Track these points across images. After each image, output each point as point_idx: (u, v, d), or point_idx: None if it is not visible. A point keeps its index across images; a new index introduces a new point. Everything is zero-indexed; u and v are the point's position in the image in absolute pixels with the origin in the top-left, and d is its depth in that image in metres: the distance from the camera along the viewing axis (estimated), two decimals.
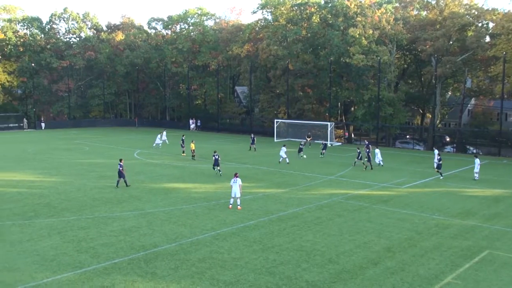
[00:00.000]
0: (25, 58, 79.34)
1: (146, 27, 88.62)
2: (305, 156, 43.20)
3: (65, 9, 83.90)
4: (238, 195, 24.07)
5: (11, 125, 73.32)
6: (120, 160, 30.28)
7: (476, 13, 54.89)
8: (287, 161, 39.84)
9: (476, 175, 33.34)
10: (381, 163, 39.10)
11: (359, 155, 38.89)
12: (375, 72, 57.12)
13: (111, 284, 14.81)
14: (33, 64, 78.47)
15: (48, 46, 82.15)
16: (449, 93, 71.62)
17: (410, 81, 72.12)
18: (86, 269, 16.02)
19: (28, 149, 48.85)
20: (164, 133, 54.27)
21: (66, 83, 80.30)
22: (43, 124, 76.14)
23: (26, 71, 78.93)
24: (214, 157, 34.39)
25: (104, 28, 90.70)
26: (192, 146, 42.16)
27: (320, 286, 14.77)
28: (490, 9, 54.77)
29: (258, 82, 72.00)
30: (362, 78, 59.03)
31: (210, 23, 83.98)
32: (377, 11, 57.75)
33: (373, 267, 16.39)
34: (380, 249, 18.30)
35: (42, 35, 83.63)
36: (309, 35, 63.97)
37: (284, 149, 40.04)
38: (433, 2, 60.26)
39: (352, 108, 68.40)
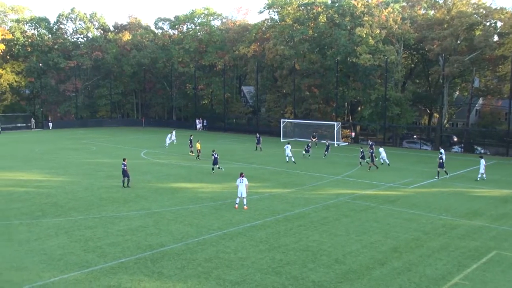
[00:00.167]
0: (33, 58, 79.82)
1: (153, 27, 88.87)
2: (309, 156, 43.14)
3: (72, 9, 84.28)
4: (244, 194, 24.06)
5: (19, 125, 73.78)
6: (124, 160, 30.32)
7: (484, 12, 54.57)
8: (293, 159, 39.91)
9: (480, 175, 33.12)
10: (387, 161, 38.97)
11: (361, 153, 38.83)
12: (382, 71, 56.91)
13: (118, 283, 14.85)
14: (40, 64, 78.91)
15: (56, 46, 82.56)
16: (457, 92, 71.26)
17: (418, 81, 71.82)
18: (93, 268, 16.08)
19: (36, 149, 49.13)
20: (174, 132, 54.30)
21: (74, 83, 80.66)
22: (50, 124, 76.52)
23: (34, 71, 79.39)
24: (213, 156, 34.83)
25: (111, 28, 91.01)
26: (198, 146, 42.24)
27: (326, 286, 14.73)
28: (498, 8, 54.43)
29: (265, 82, 71.96)
30: (369, 77, 58.83)
31: (216, 23, 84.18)
32: (384, 10, 57.53)
33: (380, 268, 16.32)
34: (387, 249, 18.23)
35: (50, 35, 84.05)
36: (315, 34, 63.85)
37: (289, 146, 40.39)
38: (441, 1, 59.97)
39: (359, 108, 68.21)
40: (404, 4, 61.40)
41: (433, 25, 57.00)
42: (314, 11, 64.16)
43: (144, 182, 31.32)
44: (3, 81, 76.78)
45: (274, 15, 69.60)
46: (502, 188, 30.54)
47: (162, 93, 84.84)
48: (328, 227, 21.19)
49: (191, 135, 47.01)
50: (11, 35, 78.22)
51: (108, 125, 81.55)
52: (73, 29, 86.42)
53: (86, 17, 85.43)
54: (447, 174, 33.83)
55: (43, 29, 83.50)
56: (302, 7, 65.94)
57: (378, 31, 55.22)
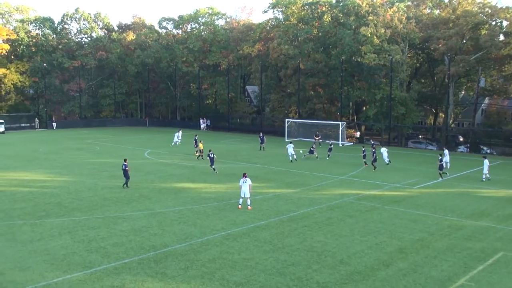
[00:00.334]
0: (37, 58, 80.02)
1: (157, 27, 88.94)
2: (317, 157, 42.89)
3: (76, 10, 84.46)
4: (248, 195, 23.95)
5: (23, 124, 73.93)
6: (125, 160, 30.20)
7: (489, 11, 54.22)
8: (295, 157, 39.94)
9: (484, 176, 32.84)
10: (386, 160, 38.75)
11: (363, 153, 38.63)
12: (387, 71, 56.65)
13: (121, 284, 14.78)
14: (45, 64, 79.08)
15: (60, 46, 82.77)
16: (463, 92, 70.93)
17: (423, 80, 71.53)
18: (96, 268, 16.02)
19: (40, 149, 49.17)
20: (180, 132, 54.15)
21: (78, 83, 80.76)
22: (54, 124, 76.64)
23: (38, 71, 79.58)
24: (209, 156, 34.88)
25: (115, 28, 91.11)
26: (200, 146, 42.15)
27: None
28: (504, 7, 54.04)
29: (269, 82, 71.83)
30: (374, 77, 58.60)
31: (221, 22, 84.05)
32: (389, 9, 57.28)
33: (385, 269, 16.18)
34: (392, 250, 18.06)
35: (54, 35, 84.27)
36: (320, 34, 63.69)
37: (291, 145, 40.60)
38: (446, 1, 59.71)
39: (364, 108, 67.92)
40: (409, 3, 61.08)
41: (439, 25, 56.68)
42: (319, 10, 64.00)
43: (147, 182, 31.27)
44: (8, 81, 76.98)
45: (279, 14, 69.53)
46: (509, 188, 30.29)
47: (166, 93, 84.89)
48: (333, 227, 21.04)
49: (196, 135, 46.89)
50: (16, 35, 78.50)
51: (112, 125, 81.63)
52: (77, 29, 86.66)
53: (90, 17, 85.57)
54: (441, 177, 33.08)
55: (48, 29, 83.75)
56: (307, 7, 65.79)
57: (383, 30, 55.00)
